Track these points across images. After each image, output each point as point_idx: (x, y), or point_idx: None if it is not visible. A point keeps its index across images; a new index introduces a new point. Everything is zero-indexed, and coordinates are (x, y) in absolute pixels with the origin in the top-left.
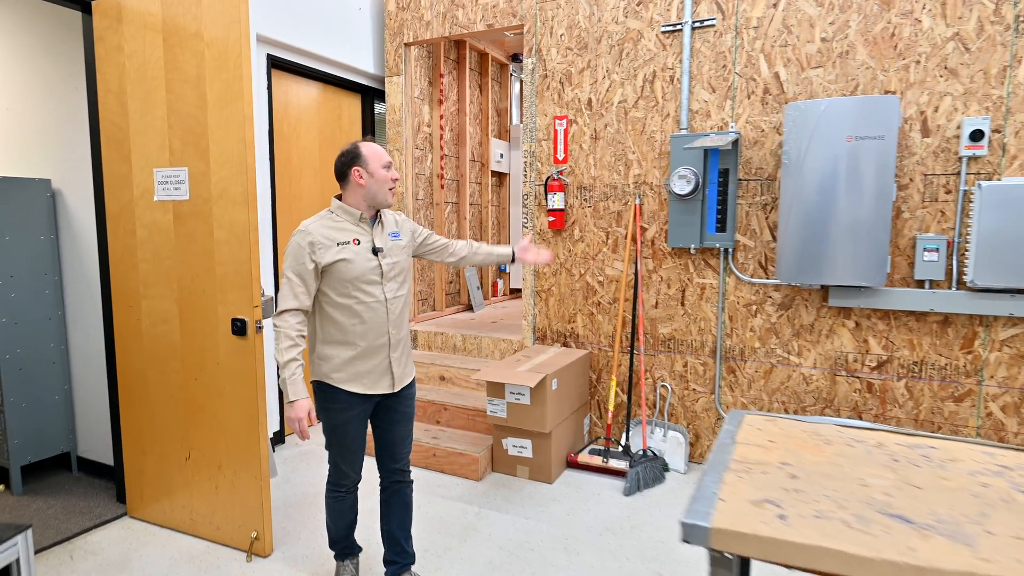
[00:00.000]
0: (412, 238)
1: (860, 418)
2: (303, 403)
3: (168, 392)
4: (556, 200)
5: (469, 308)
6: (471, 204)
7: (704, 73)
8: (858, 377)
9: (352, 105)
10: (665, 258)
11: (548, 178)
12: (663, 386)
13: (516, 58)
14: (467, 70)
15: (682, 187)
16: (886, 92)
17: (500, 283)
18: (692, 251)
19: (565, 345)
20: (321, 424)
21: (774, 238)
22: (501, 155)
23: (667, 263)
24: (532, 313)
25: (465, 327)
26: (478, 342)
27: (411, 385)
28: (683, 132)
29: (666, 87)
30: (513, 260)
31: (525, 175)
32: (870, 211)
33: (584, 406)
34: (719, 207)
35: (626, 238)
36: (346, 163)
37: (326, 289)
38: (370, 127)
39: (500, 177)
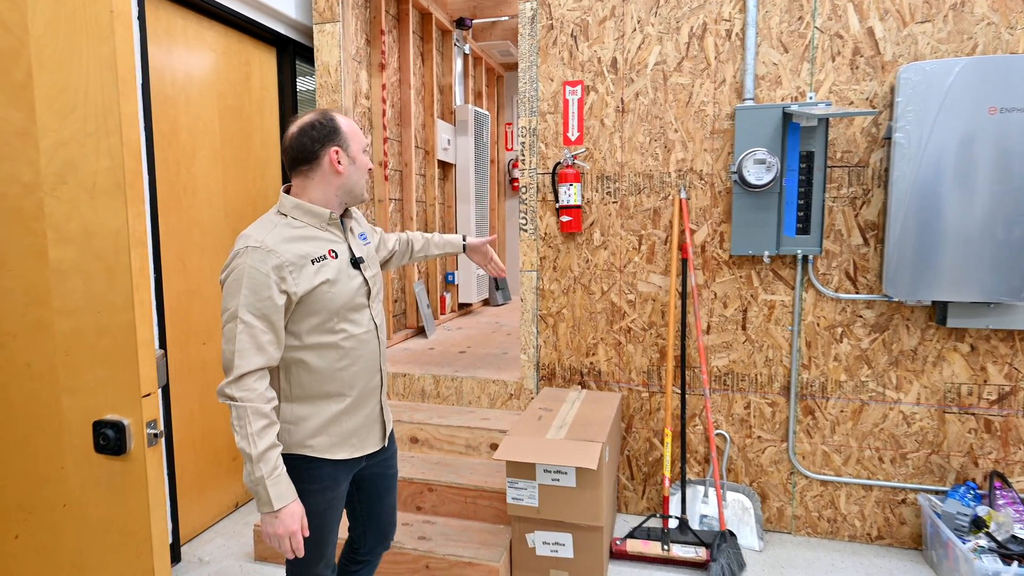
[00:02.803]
0: (377, 240)
1: (976, 464)
2: (295, 510)
3: None
4: (570, 194)
5: (421, 332)
6: (416, 201)
7: (773, 27)
8: (973, 414)
9: (266, 62)
10: (720, 268)
11: (557, 164)
12: (718, 434)
13: (461, 23)
14: (410, 32)
15: (760, 175)
16: (1011, 54)
17: (448, 297)
18: (766, 259)
19: (583, 385)
20: None
21: (865, 241)
22: (449, 141)
23: (722, 275)
24: (534, 344)
25: (429, 361)
26: (457, 385)
27: (392, 436)
28: (748, 103)
29: (720, 44)
30: (464, 250)
31: (523, 159)
32: (1016, 205)
33: (616, 467)
34: (800, 201)
35: (666, 243)
36: (318, 139)
37: (296, 329)
38: (291, 97)
39: (445, 168)
